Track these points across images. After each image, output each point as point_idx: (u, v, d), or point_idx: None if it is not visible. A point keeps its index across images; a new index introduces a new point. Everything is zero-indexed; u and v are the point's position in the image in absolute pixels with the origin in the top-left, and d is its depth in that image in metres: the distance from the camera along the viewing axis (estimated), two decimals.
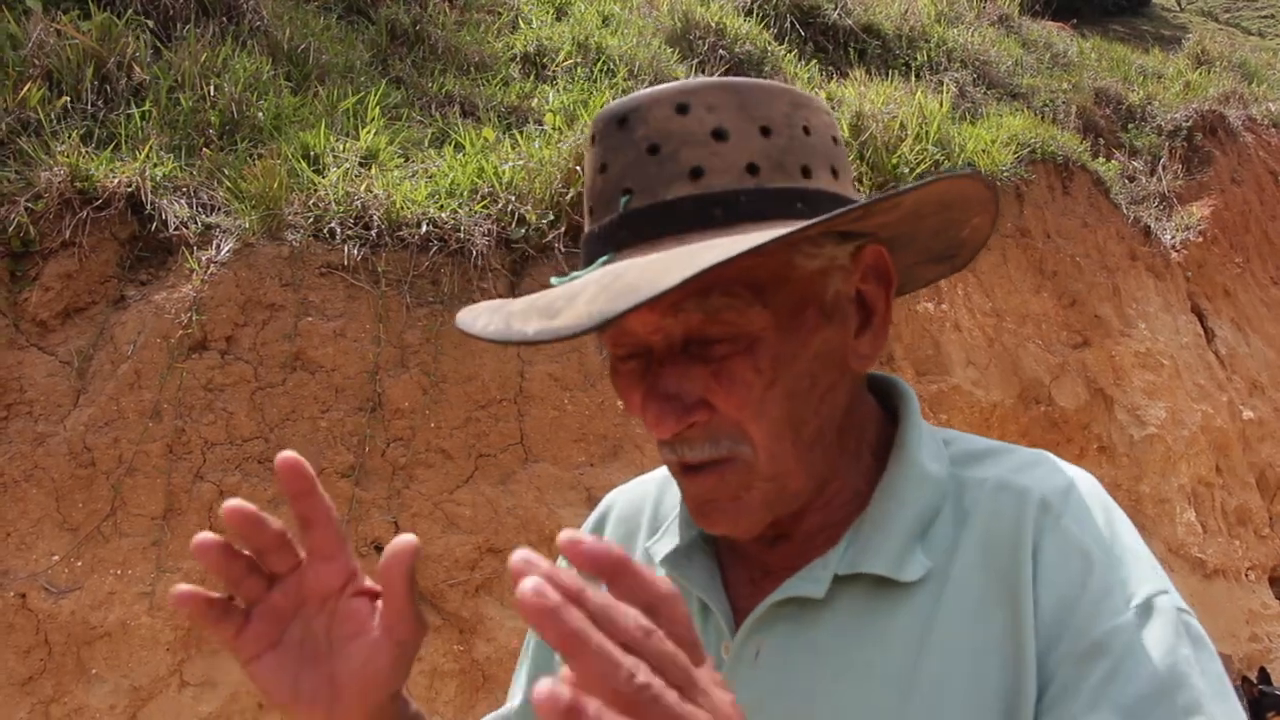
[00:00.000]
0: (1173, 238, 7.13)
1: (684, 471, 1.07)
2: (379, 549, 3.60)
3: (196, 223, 3.72)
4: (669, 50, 6.02)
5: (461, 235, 3.94)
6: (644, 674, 0.63)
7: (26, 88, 3.76)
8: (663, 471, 1.36)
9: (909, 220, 1.09)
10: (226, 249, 3.65)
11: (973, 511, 1.08)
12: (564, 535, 0.69)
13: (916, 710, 1.02)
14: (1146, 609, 0.99)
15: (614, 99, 4.95)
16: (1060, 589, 1.00)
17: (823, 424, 1.08)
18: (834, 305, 1.05)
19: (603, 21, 6.15)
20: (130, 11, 4.30)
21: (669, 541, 1.23)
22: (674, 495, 1.29)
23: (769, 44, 6.48)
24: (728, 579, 1.19)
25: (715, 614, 1.15)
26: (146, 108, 3.97)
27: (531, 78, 5.36)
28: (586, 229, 1.06)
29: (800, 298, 1.03)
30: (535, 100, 5.05)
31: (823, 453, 1.10)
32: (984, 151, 5.91)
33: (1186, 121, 8.00)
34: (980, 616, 1.03)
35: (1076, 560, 1.01)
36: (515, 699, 1.37)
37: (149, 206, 3.67)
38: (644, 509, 1.34)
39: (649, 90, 1.04)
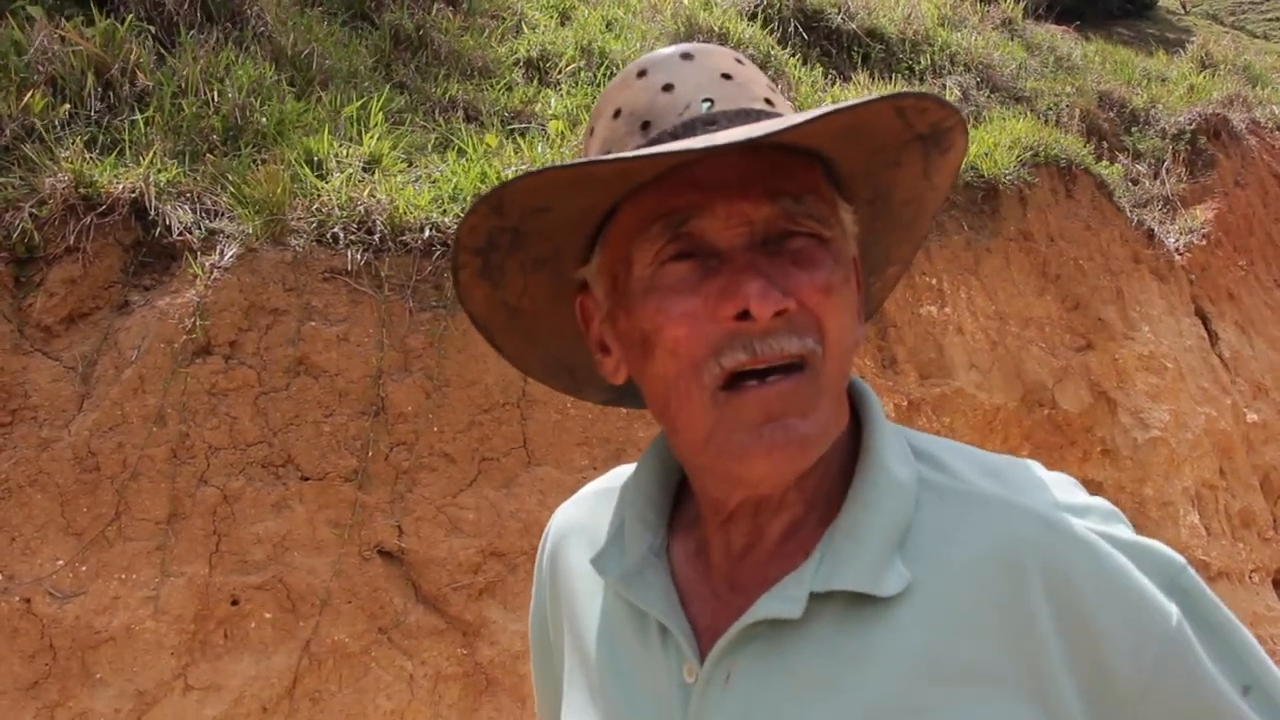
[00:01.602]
0: (1176, 241, 7.13)
1: (745, 385, 1.02)
2: (382, 553, 3.61)
3: (200, 228, 3.73)
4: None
5: None
6: None
7: (30, 94, 3.78)
8: (600, 484, 1.34)
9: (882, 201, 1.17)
10: (230, 254, 3.67)
11: (957, 527, 1.05)
12: None
13: None
14: (1177, 591, 1.02)
15: None
16: (1110, 614, 0.99)
17: (846, 373, 1.09)
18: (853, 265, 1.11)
19: (606, 26, 6.15)
20: (133, 17, 4.31)
21: (616, 558, 1.18)
22: (615, 508, 1.24)
23: (772, 48, 6.49)
24: (685, 596, 1.13)
25: (674, 636, 1.09)
26: (150, 114, 3.98)
27: (535, 83, 5.36)
28: (636, 141, 1.08)
29: (845, 234, 1.09)
30: (539, 105, 5.06)
31: (845, 406, 1.09)
32: (987, 155, 5.92)
33: (1190, 125, 7.98)
34: (970, 638, 1.00)
35: (1108, 581, 1.00)
36: None
37: (153, 212, 3.68)
38: (587, 524, 1.29)
39: (695, 44, 1.13)
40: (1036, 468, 1.11)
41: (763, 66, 6.13)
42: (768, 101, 1.09)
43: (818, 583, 1.03)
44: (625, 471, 1.28)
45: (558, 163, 1.05)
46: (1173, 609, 1.00)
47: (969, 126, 6.32)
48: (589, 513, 1.30)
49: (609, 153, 1.09)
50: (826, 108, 0.95)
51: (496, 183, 4.05)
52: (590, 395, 1.32)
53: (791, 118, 0.97)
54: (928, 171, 1.13)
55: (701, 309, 1.01)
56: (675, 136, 1.05)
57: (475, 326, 1.22)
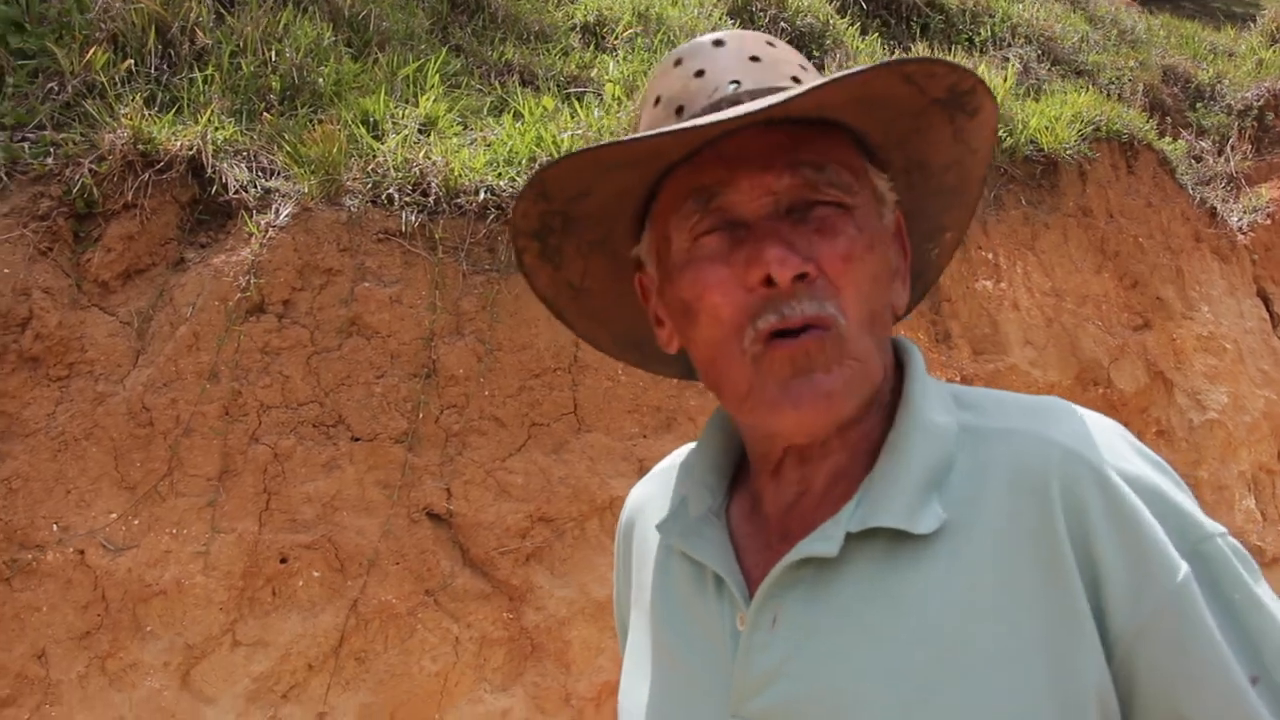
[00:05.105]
0: (1239, 220, 6.99)
1: (776, 342, 1.07)
2: (431, 516, 3.62)
3: (256, 187, 3.74)
4: (730, 22, 5.98)
5: None
6: None
7: (92, 51, 3.79)
8: (670, 460, 1.40)
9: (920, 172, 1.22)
10: (285, 213, 3.67)
11: (992, 463, 1.08)
12: None
13: (942, 665, 1.02)
14: (1196, 556, 1.02)
15: None
16: (1114, 551, 1.01)
17: (883, 335, 1.14)
18: (890, 231, 1.17)
19: None
20: None
21: (679, 517, 1.23)
22: (680, 479, 1.30)
23: (831, 17, 6.41)
24: (741, 549, 1.19)
25: (729, 586, 1.15)
26: (209, 72, 3.99)
27: (591, 47, 5.33)
28: (671, 125, 1.12)
29: (876, 198, 1.15)
30: (595, 70, 5.03)
31: (878, 364, 1.13)
32: (1047, 129, 5.83)
33: (1258, 100, 7.81)
34: (1006, 571, 1.03)
35: (1119, 521, 1.01)
36: None
37: (210, 170, 3.70)
38: (656, 497, 1.36)
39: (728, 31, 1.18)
40: (1080, 410, 1.13)
41: (820, 36, 6.09)
42: (795, 80, 1.15)
43: (854, 523, 1.08)
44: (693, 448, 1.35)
45: (589, 145, 1.11)
46: (1182, 566, 1.00)
47: (1030, 99, 6.25)
48: (657, 488, 1.38)
49: None
50: (828, 77, 1.02)
51: (552, 146, 4.06)
52: (659, 369, 1.40)
53: (793, 90, 1.04)
54: (959, 136, 1.18)
55: (732, 277, 1.09)
56: (704, 115, 1.11)
57: (548, 308, 1.31)
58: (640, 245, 1.22)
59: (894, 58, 1.06)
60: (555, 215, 1.18)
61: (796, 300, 1.06)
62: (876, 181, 1.16)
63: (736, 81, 1.13)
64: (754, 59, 1.15)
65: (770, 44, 1.19)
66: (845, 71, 1.01)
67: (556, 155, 4.09)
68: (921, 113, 1.13)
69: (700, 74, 1.15)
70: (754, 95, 1.11)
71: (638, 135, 1.06)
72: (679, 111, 1.15)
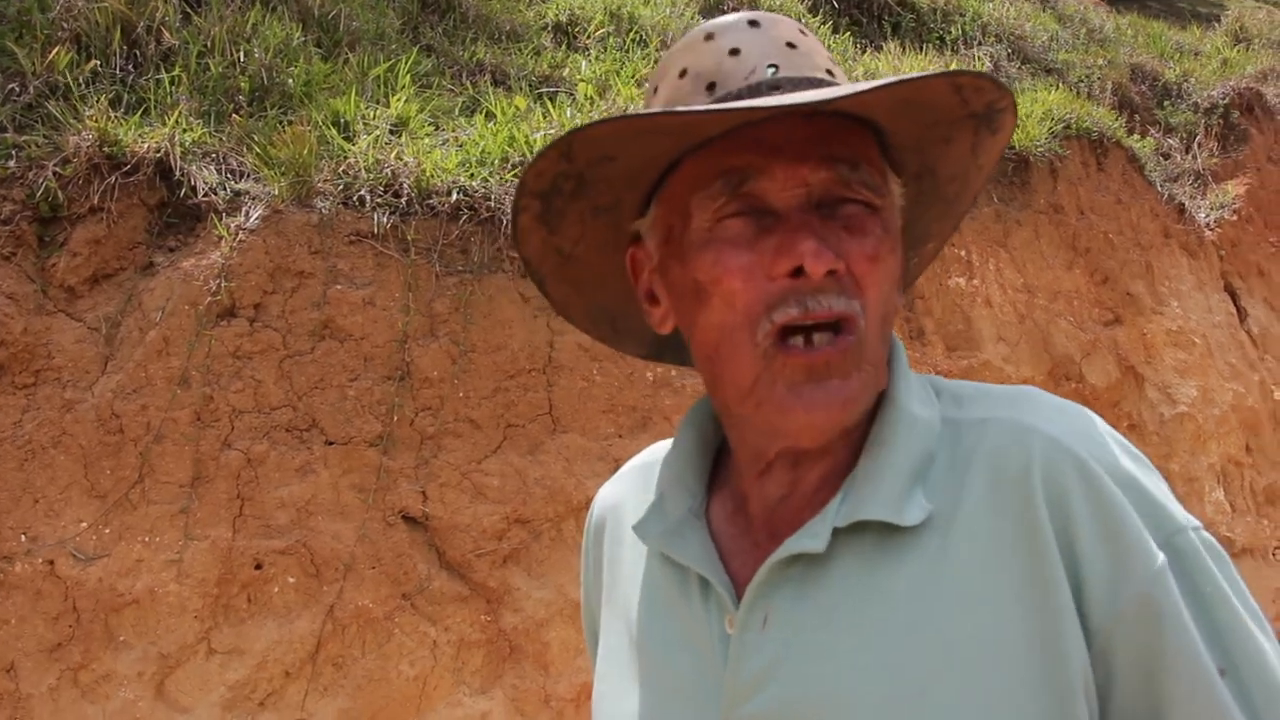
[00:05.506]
0: (1207, 216, 7.05)
1: (793, 350, 1.05)
2: (406, 519, 3.59)
3: (225, 189, 3.69)
4: (702, 21, 5.96)
5: (492, 204, 3.91)
6: None
7: (55, 51, 3.74)
8: (640, 459, 1.38)
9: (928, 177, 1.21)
10: (255, 216, 3.63)
11: (973, 454, 1.07)
12: None
13: (934, 659, 1.01)
14: (1170, 549, 1.01)
15: (648, 69, 4.91)
16: (1094, 541, 1.00)
17: (888, 338, 1.13)
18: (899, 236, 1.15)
19: None
20: None
21: (657, 519, 1.20)
22: (655, 478, 1.27)
23: (803, 15, 6.42)
24: (725, 552, 1.17)
25: (715, 588, 1.12)
26: (176, 73, 3.94)
27: (563, 47, 5.30)
28: (701, 101, 1.13)
29: (893, 206, 1.14)
30: (567, 70, 5.01)
31: (884, 367, 1.13)
32: (1018, 126, 5.84)
33: (1223, 99, 7.88)
34: (992, 561, 1.02)
35: (1099, 510, 1.01)
36: None
37: (178, 172, 3.65)
38: (629, 497, 1.33)
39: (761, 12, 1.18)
40: (1057, 399, 1.13)
41: None
42: (829, 72, 1.13)
43: (840, 518, 1.07)
44: (664, 447, 1.32)
45: (633, 112, 1.09)
46: (1159, 555, 1.00)
47: None
48: (630, 487, 1.35)
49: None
50: (891, 78, 1.00)
51: (524, 146, 4.02)
52: (628, 347, 1.37)
53: (857, 85, 1.02)
54: (976, 150, 1.18)
55: (757, 264, 1.06)
56: (740, 99, 1.09)
57: (527, 270, 1.28)
58: (644, 220, 1.19)
59: (951, 67, 1.06)
60: (570, 178, 1.15)
61: (824, 295, 1.05)
62: (893, 185, 1.15)
63: (774, 66, 1.11)
64: (790, 45, 1.13)
65: (803, 32, 1.17)
66: (910, 75, 1.01)
67: (529, 156, 4.06)
68: (955, 123, 1.13)
69: (735, 52, 1.12)
70: (793, 83, 1.10)
71: (691, 109, 1.04)
72: (710, 88, 1.12)
